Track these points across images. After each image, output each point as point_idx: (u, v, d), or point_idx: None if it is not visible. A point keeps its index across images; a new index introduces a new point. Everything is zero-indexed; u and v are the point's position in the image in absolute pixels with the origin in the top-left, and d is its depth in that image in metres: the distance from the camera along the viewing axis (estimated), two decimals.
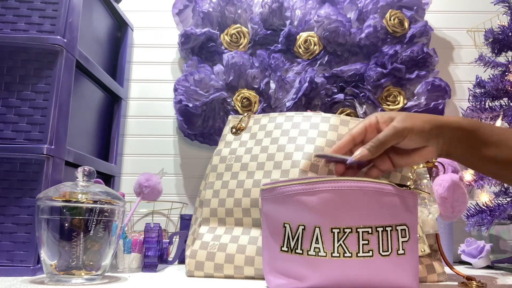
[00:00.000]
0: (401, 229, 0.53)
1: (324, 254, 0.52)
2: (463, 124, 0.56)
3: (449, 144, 0.56)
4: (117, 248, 0.75)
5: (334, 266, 0.52)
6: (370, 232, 0.52)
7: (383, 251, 0.52)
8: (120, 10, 1.18)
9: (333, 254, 0.52)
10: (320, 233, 0.53)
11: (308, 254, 0.53)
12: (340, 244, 0.52)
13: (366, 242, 0.52)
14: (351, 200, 0.53)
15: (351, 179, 0.53)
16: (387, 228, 0.52)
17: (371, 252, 0.52)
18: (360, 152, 0.55)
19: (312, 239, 0.53)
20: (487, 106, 1.00)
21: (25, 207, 0.72)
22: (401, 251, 0.52)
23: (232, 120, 0.81)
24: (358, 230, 0.52)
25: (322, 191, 0.53)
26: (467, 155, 0.57)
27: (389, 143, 0.55)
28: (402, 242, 0.53)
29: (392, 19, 1.16)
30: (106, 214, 0.64)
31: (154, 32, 1.30)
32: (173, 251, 0.95)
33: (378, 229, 0.52)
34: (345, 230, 0.52)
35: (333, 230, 0.52)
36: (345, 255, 0.52)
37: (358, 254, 0.52)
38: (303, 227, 0.54)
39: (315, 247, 0.53)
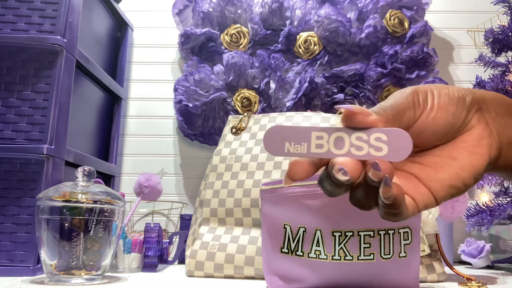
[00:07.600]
0: (403, 232, 0.52)
1: (325, 257, 0.52)
2: (504, 97, 0.33)
3: (501, 121, 0.31)
4: (117, 248, 0.75)
5: (335, 268, 0.52)
6: (372, 235, 0.52)
7: (384, 254, 0.52)
8: (120, 10, 1.18)
9: (334, 257, 0.52)
10: (321, 236, 0.52)
11: (308, 257, 0.53)
12: (341, 248, 0.52)
13: (368, 245, 0.52)
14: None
15: None
16: (389, 231, 0.52)
17: (372, 255, 0.51)
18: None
19: (313, 242, 0.53)
20: None
21: (25, 207, 0.72)
22: (402, 254, 0.52)
23: (232, 120, 0.81)
24: (360, 233, 0.52)
25: (324, 194, 0.53)
26: None
27: (399, 109, 0.29)
28: (404, 244, 0.52)
29: (392, 19, 1.16)
30: (106, 214, 0.64)
31: (154, 32, 1.30)
32: (173, 251, 0.95)
33: (380, 232, 0.52)
34: (347, 233, 0.52)
35: (334, 234, 0.52)
36: (346, 258, 0.52)
37: (359, 258, 0.51)
38: (304, 229, 0.53)
39: (315, 250, 0.53)
